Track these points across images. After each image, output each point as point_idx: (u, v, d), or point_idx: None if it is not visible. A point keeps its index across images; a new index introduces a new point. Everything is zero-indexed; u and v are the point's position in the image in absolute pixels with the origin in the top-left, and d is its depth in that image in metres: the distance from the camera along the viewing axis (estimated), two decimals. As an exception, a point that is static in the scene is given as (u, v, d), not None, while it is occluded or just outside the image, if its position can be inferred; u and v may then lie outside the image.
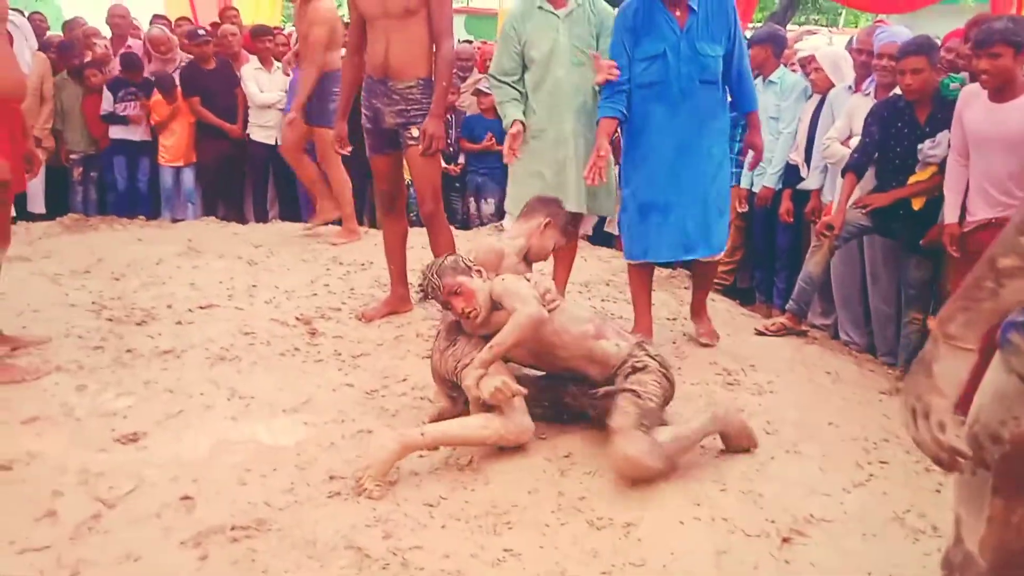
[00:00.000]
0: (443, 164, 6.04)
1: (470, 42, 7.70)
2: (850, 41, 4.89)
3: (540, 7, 3.68)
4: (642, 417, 2.62)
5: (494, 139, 5.91)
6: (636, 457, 2.53)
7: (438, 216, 3.91)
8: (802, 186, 4.64)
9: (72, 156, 6.13)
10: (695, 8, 3.47)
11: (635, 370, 2.79)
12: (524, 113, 3.70)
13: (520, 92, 3.73)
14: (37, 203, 5.93)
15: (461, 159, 6.30)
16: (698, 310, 3.97)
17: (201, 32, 6.28)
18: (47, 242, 5.01)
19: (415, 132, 3.72)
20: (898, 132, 3.79)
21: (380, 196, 4.05)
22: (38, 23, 7.08)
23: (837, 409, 3.28)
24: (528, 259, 3.19)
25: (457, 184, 6.31)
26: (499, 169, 5.41)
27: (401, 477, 2.61)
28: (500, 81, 3.74)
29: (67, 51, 6.15)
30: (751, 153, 3.89)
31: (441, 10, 3.66)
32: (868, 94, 4.22)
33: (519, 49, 3.70)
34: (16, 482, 2.46)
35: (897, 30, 4.29)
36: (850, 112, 4.23)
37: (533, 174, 3.74)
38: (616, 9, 3.63)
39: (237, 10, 7.71)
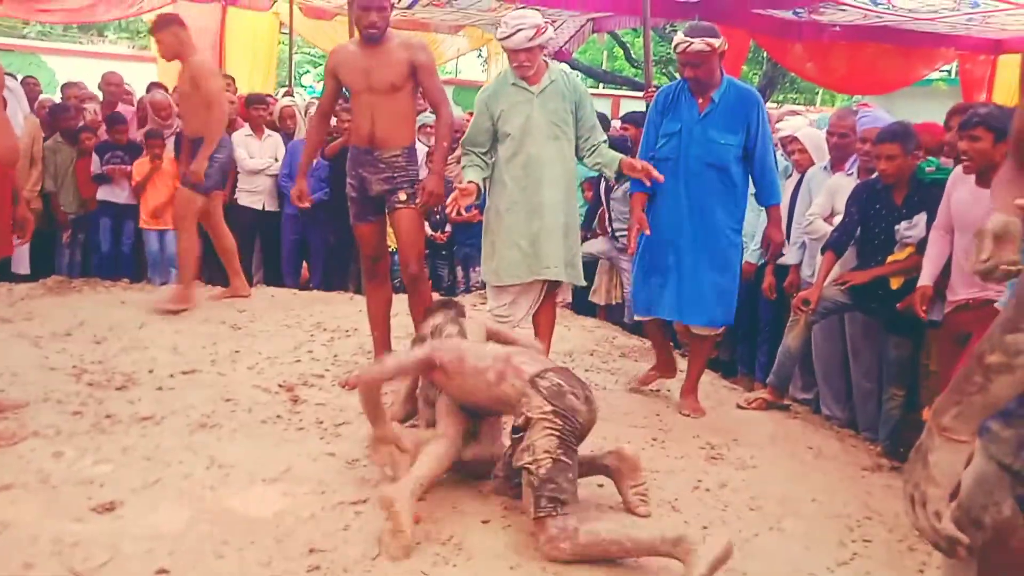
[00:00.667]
0: (429, 231, 6.14)
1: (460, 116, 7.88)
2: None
3: (514, 83, 3.83)
4: (539, 493, 2.53)
5: (478, 211, 5.99)
6: (544, 548, 2.51)
7: (422, 280, 4.03)
8: (782, 261, 4.72)
9: (69, 216, 6.15)
10: (716, 100, 3.79)
11: (522, 428, 2.64)
12: (492, 184, 3.93)
13: (485, 163, 3.92)
14: (22, 264, 5.91)
15: (448, 227, 6.38)
16: (687, 388, 4.06)
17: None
18: (29, 304, 4.98)
19: (402, 196, 3.86)
20: (876, 213, 3.90)
21: (364, 262, 4.13)
22: (31, 87, 7.18)
23: (820, 485, 3.28)
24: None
25: (444, 252, 6.38)
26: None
27: (380, 550, 2.57)
28: (468, 150, 3.93)
29: (61, 114, 6.22)
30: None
31: (432, 83, 3.88)
32: (851, 174, 4.34)
33: (490, 125, 3.86)
34: (-15, 552, 2.40)
35: (878, 115, 4.44)
36: (832, 190, 4.34)
37: (510, 246, 3.86)
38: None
39: (233, 79, 7.85)
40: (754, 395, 4.24)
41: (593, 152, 3.92)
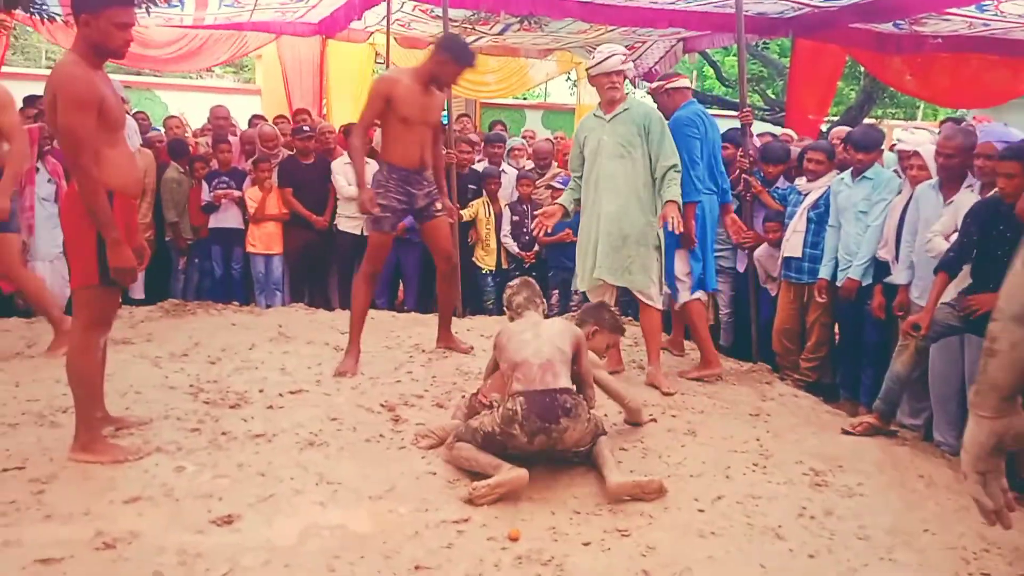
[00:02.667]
0: (517, 250, 6.48)
1: (549, 140, 7.97)
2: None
3: (595, 114, 4.60)
4: (460, 430, 3.41)
5: (571, 232, 6.04)
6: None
7: (456, 272, 5.00)
8: (889, 280, 4.57)
9: (188, 242, 6.51)
10: None
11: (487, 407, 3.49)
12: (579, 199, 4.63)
13: (578, 187, 4.63)
14: (137, 290, 6.27)
15: (537, 247, 6.49)
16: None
17: (306, 128, 6.68)
18: (148, 326, 5.28)
19: (439, 206, 4.68)
20: (999, 234, 3.71)
21: (375, 265, 4.65)
22: (141, 121, 7.65)
23: (932, 515, 3.16)
24: None
25: (534, 274, 6.43)
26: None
27: (484, 570, 2.62)
28: (572, 176, 4.70)
29: (176, 148, 6.60)
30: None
31: (440, 119, 4.76)
32: (972, 189, 4.15)
33: (579, 152, 4.62)
34: (119, 560, 2.55)
35: (996, 129, 4.25)
36: (956, 208, 4.12)
37: (581, 255, 4.61)
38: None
39: (308, 111, 8.19)
40: (859, 420, 4.12)
41: (662, 180, 4.38)
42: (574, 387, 3.37)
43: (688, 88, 4.94)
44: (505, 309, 3.81)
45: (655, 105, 4.91)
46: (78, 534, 2.66)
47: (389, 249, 4.69)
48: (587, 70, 4.58)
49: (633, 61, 11.22)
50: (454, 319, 5.17)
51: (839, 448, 3.79)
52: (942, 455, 3.99)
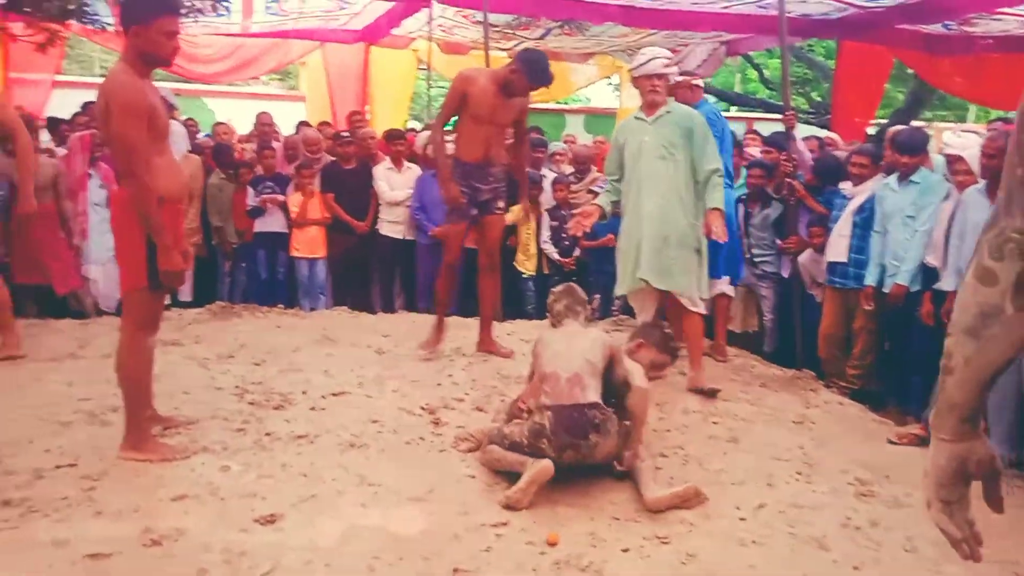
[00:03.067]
0: (557, 257, 6.50)
1: (587, 145, 7.97)
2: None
3: (636, 117, 4.57)
4: (493, 433, 3.41)
5: (613, 237, 6.02)
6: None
7: (498, 270, 5.09)
8: (938, 286, 4.47)
9: (233, 245, 6.63)
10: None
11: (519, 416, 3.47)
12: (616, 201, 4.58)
13: (616, 189, 4.57)
14: (185, 293, 6.40)
15: (577, 252, 6.47)
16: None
17: (345, 134, 6.76)
18: (197, 328, 5.39)
19: (500, 203, 4.82)
20: None
21: (450, 255, 4.92)
22: (190, 127, 7.82)
23: (982, 528, 3.07)
24: None
25: (574, 279, 6.42)
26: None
27: (522, 574, 2.62)
28: (608, 178, 4.65)
29: (222, 153, 6.73)
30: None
31: (525, 122, 4.89)
32: None
33: (618, 155, 4.56)
34: (166, 557, 2.61)
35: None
36: None
37: (623, 258, 4.53)
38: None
39: (363, 113, 8.25)
40: (907, 430, 4.04)
41: (705, 184, 4.36)
42: (600, 402, 3.30)
43: (702, 87, 5.21)
44: (547, 314, 3.84)
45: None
46: (126, 531, 2.72)
47: (462, 238, 4.90)
48: (629, 71, 4.58)
49: (676, 64, 11.16)
50: (495, 323, 5.18)
51: (886, 458, 3.72)
52: (993, 466, 3.88)
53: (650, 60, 4.42)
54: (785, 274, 5.68)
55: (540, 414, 3.23)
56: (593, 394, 3.29)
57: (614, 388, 3.42)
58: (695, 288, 4.44)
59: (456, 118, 4.77)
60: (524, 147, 4.96)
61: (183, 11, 7.39)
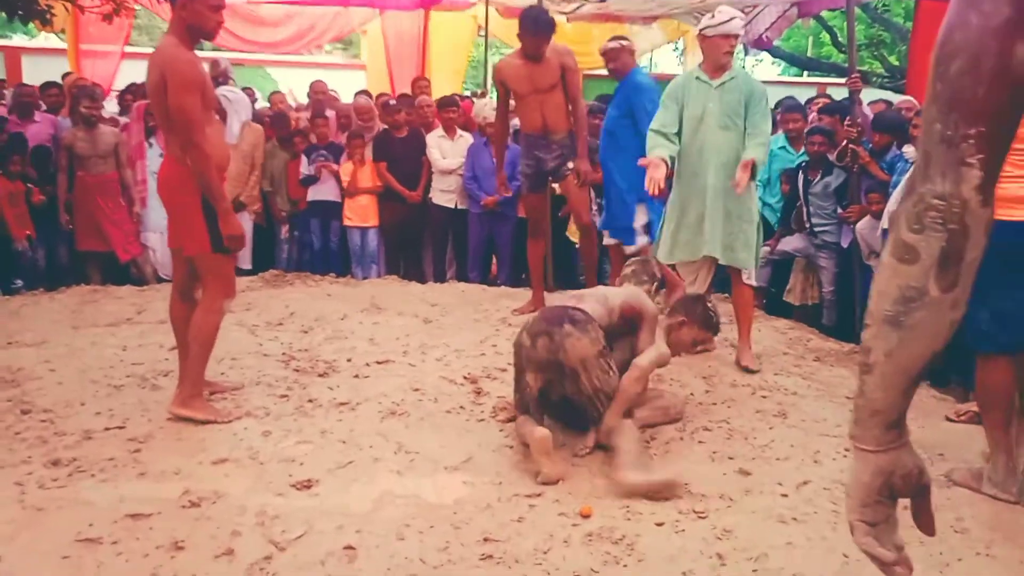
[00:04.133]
0: None
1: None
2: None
3: (697, 78, 4.29)
4: None
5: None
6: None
7: (592, 227, 5.22)
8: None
9: (283, 213, 6.71)
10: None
11: None
12: (675, 172, 4.29)
13: (672, 142, 4.24)
14: (245, 260, 6.52)
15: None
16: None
17: (392, 103, 6.75)
18: (249, 295, 5.49)
19: (570, 165, 4.90)
20: None
21: (530, 225, 5.27)
22: (250, 96, 7.90)
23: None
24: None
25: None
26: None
27: (553, 545, 2.60)
28: (656, 132, 4.27)
29: (277, 122, 6.80)
30: None
31: (575, 81, 4.86)
32: None
33: (676, 112, 4.29)
34: (203, 519, 2.67)
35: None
36: None
37: (680, 227, 4.33)
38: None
39: (428, 80, 8.21)
40: (965, 407, 3.85)
41: (749, 145, 4.14)
42: (592, 316, 3.27)
43: (635, 51, 5.38)
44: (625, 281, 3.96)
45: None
46: (167, 492, 2.80)
47: (541, 204, 5.21)
48: (702, 30, 4.26)
49: (745, 26, 10.81)
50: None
51: (942, 435, 3.57)
52: (1059, 446, 3.69)
53: (731, 19, 4.14)
54: (845, 244, 5.47)
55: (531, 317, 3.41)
56: (587, 307, 3.31)
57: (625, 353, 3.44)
58: (752, 262, 4.34)
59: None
60: (577, 110, 4.92)
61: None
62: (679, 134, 4.26)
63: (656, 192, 4.03)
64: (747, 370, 4.23)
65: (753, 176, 4.10)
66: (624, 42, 5.19)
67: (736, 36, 4.21)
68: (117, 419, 3.36)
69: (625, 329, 3.44)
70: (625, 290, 3.60)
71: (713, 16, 4.20)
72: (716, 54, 4.19)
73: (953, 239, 0.95)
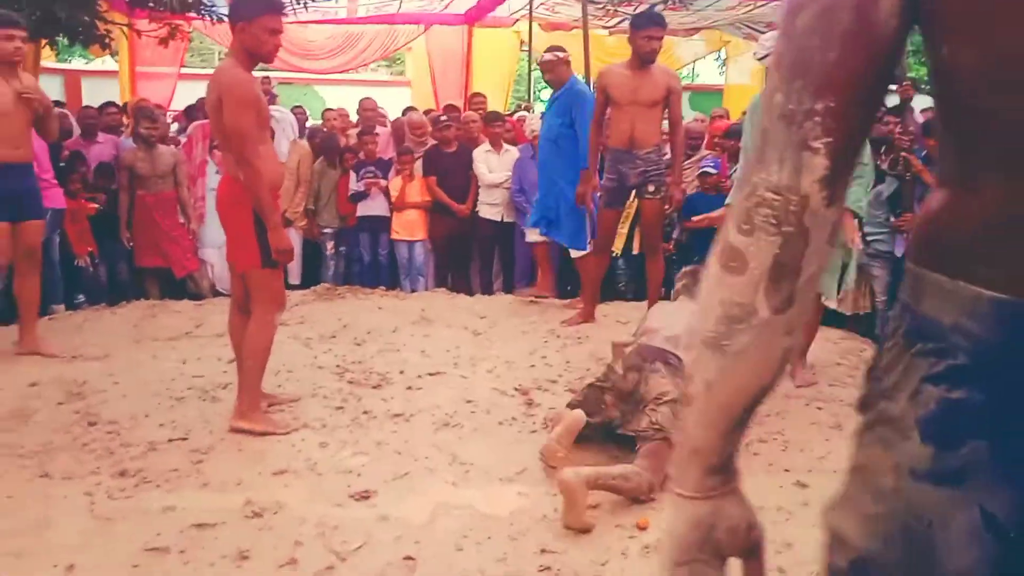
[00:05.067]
0: None
1: (699, 119, 7.77)
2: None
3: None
4: None
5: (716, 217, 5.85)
6: None
7: (660, 250, 5.24)
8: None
9: (325, 231, 6.80)
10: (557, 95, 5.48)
11: None
12: None
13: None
14: (293, 274, 6.63)
15: (677, 234, 6.28)
16: None
17: (443, 118, 6.83)
18: (302, 308, 5.59)
19: (651, 188, 4.89)
20: None
21: (600, 239, 5.20)
22: (298, 115, 8.05)
23: None
24: None
25: (674, 256, 6.27)
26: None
27: (610, 557, 2.60)
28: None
29: (328, 141, 6.91)
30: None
31: (679, 105, 4.93)
32: None
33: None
34: (265, 529, 2.73)
35: None
36: None
37: None
38: None
39: (484, 96, 8.29)
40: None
41: None
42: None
43: (570, 62, 5.45)
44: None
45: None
46: (230, 502, 2.86)
47: (614, 221, 5.12)
48: (758, 59, 4.35)
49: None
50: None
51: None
52: None
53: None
54: (899, 253, 5.38)
55: (621, 352, 3.43)
56: (681, 356, 3.26)
57: None
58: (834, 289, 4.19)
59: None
60: (677, 135, 4.99)
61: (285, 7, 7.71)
62: None
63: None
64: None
65: None
66: (560, 54, 5.31)
67: None
68: (180, 431, 3.45)
69: None
70: None
71: (763, 43, 4.30)
72: None
73: (788, 245, 0.74)
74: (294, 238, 6.23)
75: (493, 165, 6.55)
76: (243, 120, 3.29)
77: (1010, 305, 0.66)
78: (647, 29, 4.69)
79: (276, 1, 3.48)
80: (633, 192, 5.01)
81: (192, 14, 7.57)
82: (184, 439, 3.38)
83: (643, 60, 4.73)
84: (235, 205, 3.45)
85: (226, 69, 3.40)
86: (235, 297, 3.71)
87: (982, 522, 0.66)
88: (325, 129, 7.28)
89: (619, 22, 9.98)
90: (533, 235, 5.72)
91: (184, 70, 11.06)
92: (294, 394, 3.87)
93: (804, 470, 3.18)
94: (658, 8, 9.64)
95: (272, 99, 6.83)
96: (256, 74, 3.66)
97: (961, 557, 0.67)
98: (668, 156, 5.37)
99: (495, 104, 10.18)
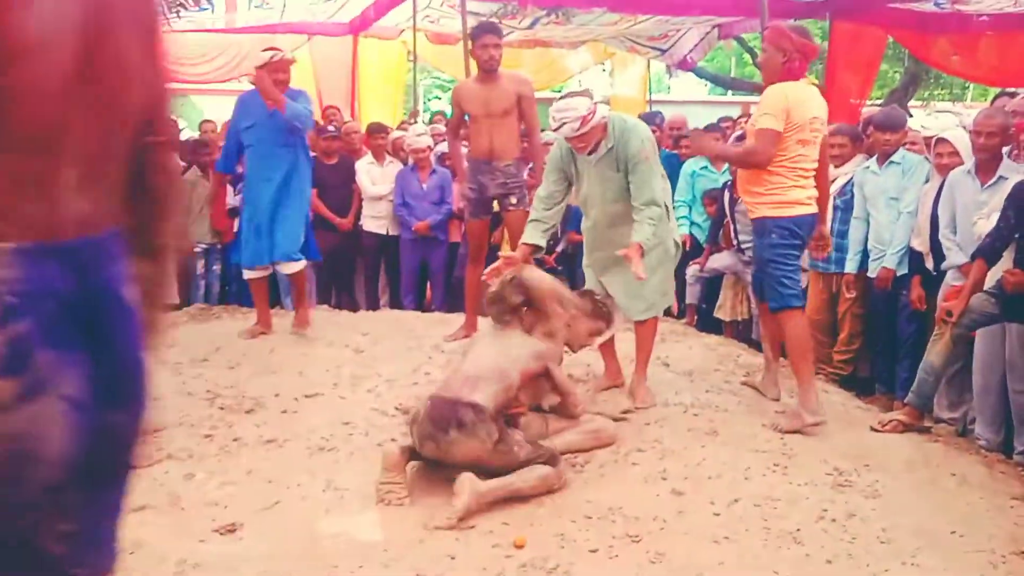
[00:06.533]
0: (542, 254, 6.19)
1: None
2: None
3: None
4: None
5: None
6: None
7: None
8: (945, 265, 4.27)
9: (196, 248, 6.39)
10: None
11: None
12: None
13: None
14: (170, 294, 6.30)
15: (560, 247, 6.33)
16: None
17: (331, 128, 6.67)
18: (173, 331, 5.32)
19: (513, 200, 4.85)
20: None
21: (471, 251, 5.14)
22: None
23: (961, 516, 3.01)
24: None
25: (560, 269, 6.31)
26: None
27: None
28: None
29: (199, 149, 6.55)
30: None
31: (532, 111, 4.86)
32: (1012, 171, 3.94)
33: None
34: (119, 572, 2.54)
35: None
36: (998, 191, 3.91)
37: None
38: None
39: (338, 108, 8.16)
40: (890, 416, 3.94)
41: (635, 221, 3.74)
42: (486, 407, 3.05)
43: None
44: None
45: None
46: (81, 544, 2.66)
47: (482, 231, 5.04)
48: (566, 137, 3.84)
49: (664, 51, 11.06)
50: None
51: (867, 446, 3.64)
52: (978, 451, 3.80)
53: (562, 125, 3.73)
54: (772, 260, 5.57)
55: (423, 402, 3.18)
56: (481, 397, 3.07)
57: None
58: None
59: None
60: (533, 140, 4.95)
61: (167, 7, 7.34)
62: None
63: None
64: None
65: None
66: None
67: (576, 138, 3.75)
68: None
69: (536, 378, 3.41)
70: (525, 351, 3.35)
71: (550, 121, 3.82)
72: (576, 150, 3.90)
73: None
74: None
75: (376, 177, 6.45)
76: None
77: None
78: (482, 38, 4.71)
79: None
80: (495, 203, 4.98)
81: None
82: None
83: (484, 70, 4.72)
84: None
85: None
86: None
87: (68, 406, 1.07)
88: (197, 138, 6.99)
89: (507, 35, 10.04)
90: None
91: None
92: (158, 424, 3.66)
93: (680, 478, 3.23)
94: (542, 22, 9.79)
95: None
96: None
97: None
98: (531, 166, 5.42)
99: (385, 115, 10.07)
